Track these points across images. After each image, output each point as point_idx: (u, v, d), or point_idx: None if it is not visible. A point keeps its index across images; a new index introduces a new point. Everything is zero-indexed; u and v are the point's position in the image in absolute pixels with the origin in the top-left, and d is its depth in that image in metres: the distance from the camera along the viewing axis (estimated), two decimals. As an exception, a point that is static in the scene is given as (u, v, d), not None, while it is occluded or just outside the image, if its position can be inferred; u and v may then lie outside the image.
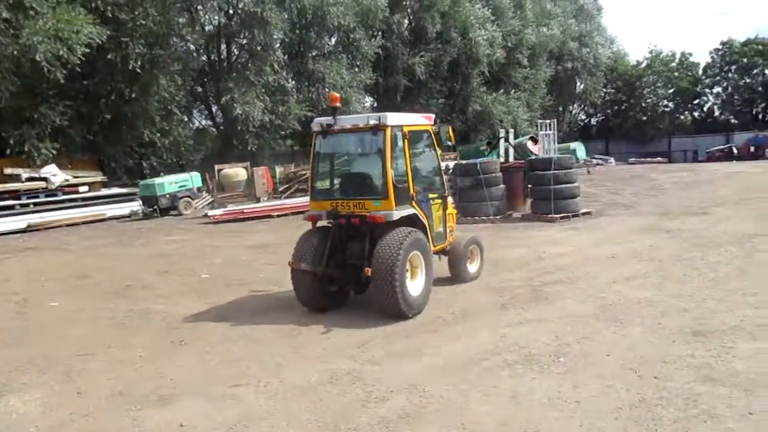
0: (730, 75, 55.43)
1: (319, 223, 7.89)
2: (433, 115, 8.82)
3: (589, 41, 50.81)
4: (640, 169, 35.77)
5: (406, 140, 7.44)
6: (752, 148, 44.77)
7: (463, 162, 16.75)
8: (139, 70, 24.02)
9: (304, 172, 28.49)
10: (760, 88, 53.13)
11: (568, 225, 14.21)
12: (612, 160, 48.39)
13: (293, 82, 32.97)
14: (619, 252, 10.46)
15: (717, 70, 56.34)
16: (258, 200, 23.80)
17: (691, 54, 58.99)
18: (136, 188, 23.66)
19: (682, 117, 59.47)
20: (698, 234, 11.66)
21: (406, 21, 36.83)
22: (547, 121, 20.31)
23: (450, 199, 8.90)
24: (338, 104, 7.68)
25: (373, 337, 6.44)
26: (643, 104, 57.42)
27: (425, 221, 7.70)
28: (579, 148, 36.82)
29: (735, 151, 45.46)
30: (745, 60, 53.16)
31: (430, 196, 8.06)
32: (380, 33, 34.80)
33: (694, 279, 8.15)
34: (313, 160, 8.00)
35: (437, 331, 6.57)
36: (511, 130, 29.84)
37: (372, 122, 7.33)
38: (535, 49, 41.52)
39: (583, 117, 64.40)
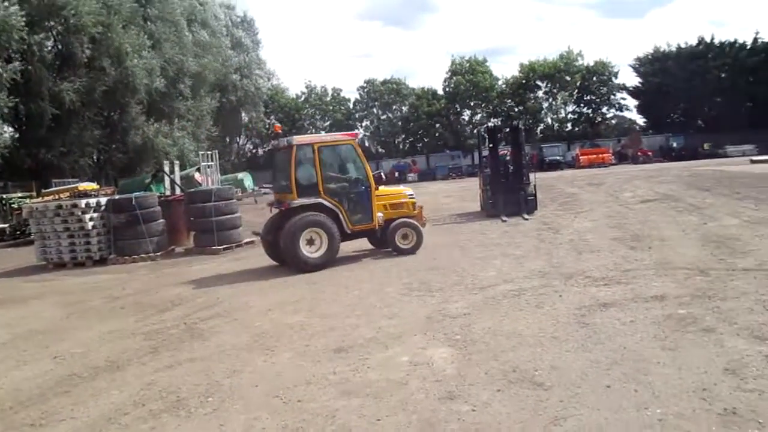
0: (374, 110, 62.68)
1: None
2: (358, 132, 13.90)
3: (249, 73, 52.46)
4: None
5: (316, 153, 10.81)
6: (397, 173, 51.23)
7: (117, 197, 15.48)
8: None
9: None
10: (399, 123, 61.15)
11: (232, 255, 14.24)
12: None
13: None
14: (278, 279, 10.74)
15: (364, 105, 63.20)
16: None
17: (341, 90, 65.01)
18: None
19: (339, 147, 65.00)
20: (346, 252, 12.64)
21: (50, 43, 33.15)
22: (209, 152, 20.15)
23: (408, 192, 12.88)
24: (279, 131, 12.19)
25: (-11, 412, 5.40)
26: (305, 135, 61.33)
27: (336, 207, 10.94)
28: (246, 178, 37.57)
29: (384, 176, 51.13)
30: (385, 97, 60.71)
31: (350, 189, 11.38)
32: (19, 54, 30.59)
33: (342, 298, 8.73)
34: (273, 168, 12.72)
35: (70, 391, 5.76)
36: (177, 162, 28.88)
37: (284, 144, 11.19)
38: (196, 79, 41.08)
39: (251, 147, 66.08)
